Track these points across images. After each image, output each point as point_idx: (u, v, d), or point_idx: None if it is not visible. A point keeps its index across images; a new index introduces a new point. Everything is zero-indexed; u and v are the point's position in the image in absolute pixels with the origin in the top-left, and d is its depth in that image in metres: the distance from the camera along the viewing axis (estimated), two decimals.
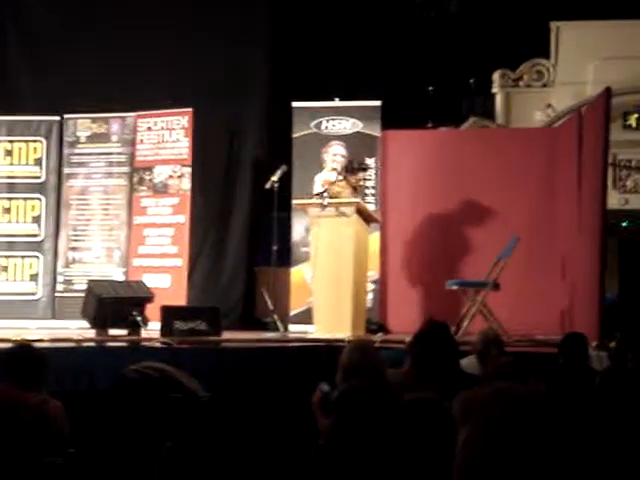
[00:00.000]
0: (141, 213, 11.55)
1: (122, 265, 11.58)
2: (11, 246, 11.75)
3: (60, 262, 11.76)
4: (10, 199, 11.79)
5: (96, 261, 11.70)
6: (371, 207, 10.63)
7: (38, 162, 11.85)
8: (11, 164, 11.82)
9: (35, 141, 11.84)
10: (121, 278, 11.38)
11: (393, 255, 10.99)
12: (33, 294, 11.73)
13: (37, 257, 11.76)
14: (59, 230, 11.80)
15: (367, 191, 11.12)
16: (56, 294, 11.72)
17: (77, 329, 9.87)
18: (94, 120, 11.81)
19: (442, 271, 10.63)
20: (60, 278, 11.74)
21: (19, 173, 11.82)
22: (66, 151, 11.86)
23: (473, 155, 11.05)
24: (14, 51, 12.14)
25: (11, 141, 11.82)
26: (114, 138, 11.80)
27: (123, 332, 9.12)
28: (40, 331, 10.19)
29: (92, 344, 8.77)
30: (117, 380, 3.59)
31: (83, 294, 10.03)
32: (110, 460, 3.49)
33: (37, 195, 11.82)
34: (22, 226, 11.76)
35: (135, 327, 8.98)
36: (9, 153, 11.82)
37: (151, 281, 10.58)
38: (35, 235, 11.78)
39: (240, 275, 11.78)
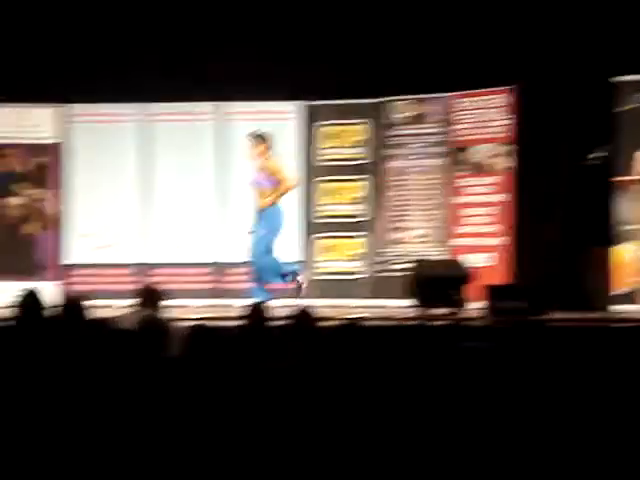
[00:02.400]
0: (460, 193, 11.57)
1: (442, 245, 11.66)
2: (334, 227, 12.10)
3: (381, 242, 11.99)
4: (336, 181, 12.14)
5: (416, 241, 11.84)
6: None
7: (360, 144, 12.13)
8: (335, 147, 12.16)
9: (357, 124, 12.12)
10: (441, 258, 11.46)
11: None
12: (355, 273, 12.03)
13: (360, 237, 12.05)
14: (379, 211, 12.03)
15: None
16: (377, 273, 11.96)
17: (398, 308, 10.04)
18: (413, 101, 11.93)
19: None
20: (381, 258, 11.96)
21: (344, 156, 12.15)
22: (386, 133, 12.06)
23: None
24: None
25: (335, 124, 12.16)
26: (432, 118, 11.88)
27: (444, 311, 9.18)
28: (363, 309, 10.43)
29: (415, 322, 8.89)
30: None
31: (404, 274, 10.18)
32: None
33: (359, 176, 12.09)
34: (346, 207, 12.09)
35: (455, 306, 9.02)
36: (333, 136, 12.17)
37: (471, 260, 10.60)
38: (357, 216, 12.07)
39: (562, 254, 11.54)
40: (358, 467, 3.87)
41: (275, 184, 10.72)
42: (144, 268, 12.10)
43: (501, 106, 11.30)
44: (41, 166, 12.09)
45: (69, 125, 12.20)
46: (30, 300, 5.71)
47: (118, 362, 4.46)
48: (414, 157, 11.94)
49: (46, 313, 5.61)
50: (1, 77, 11.70)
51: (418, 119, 11.91)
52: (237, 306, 9.88)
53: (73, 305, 5.59)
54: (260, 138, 10.91)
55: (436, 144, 11.86)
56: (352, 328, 5.27)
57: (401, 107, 11.98)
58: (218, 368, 4.31)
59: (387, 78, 11.82)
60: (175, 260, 12.12)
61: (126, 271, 12.13)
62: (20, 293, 5.70)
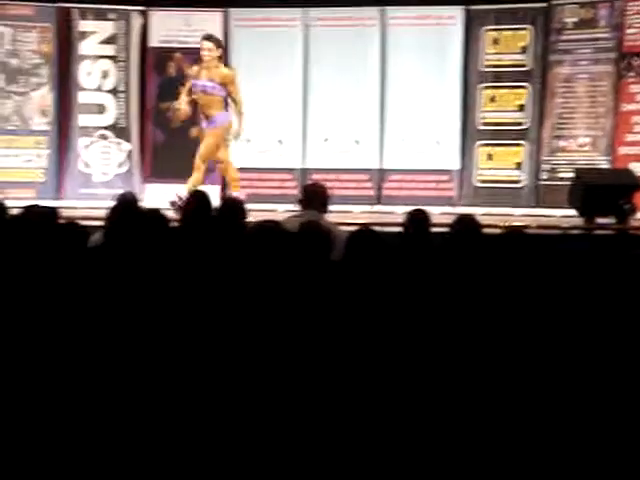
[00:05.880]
0: (629, 100, 11.23)
1: (607, 153, 11.37)
2: (497, 134, 11.92)
3: (544, 150, 11.77)
4: (496, 88, 11.93)
5: (581, 149, 11.58)
6: None
7: (524, 50, 11.86)
8: (498, 53, 11.92)
9: (522, 29, 11.84)
10: (606, 166, 11.21)
11: None
12: (517, 182, 11.86)
13: (522, 145, 11.85)
14: (543, 118, 11.79)
15: None
16: (540, 182, 11.76)
17: (562, 217, 9.87)
18: (582, 5, 11.57)
19: None
20: (544, 166, 11.75)
21: (506, 62, 11.91)
22: (552, 38, 11.74)
23: None
24: None
25: (498, 30, 11.91)
26: (602, 23, 11.50)
27: (610, 220, 9.00)
28: (525, 218, 10.31)
29: (579, 232, 8.74)
30: None
31: (568, 182, 9.99)
32: None
33: (523, 83, 11.85)
34: (508, 114, 11.88)
35: (623, 215, 8.83)
36: (496, 42, 11.93)
37: (639, 169, 10.34)
38: (520, 123, 11.85)
39: None
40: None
41: (226, 95, 10.27)
42: (305, 173, 12.18)
43: None
44: None
45: (233, 30, 12.27)
46: (197, 201, 5.80)
47: (280, 264, 4.50)
48: (582, 63, 11.61)
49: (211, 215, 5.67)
50: None
51: (588, 24, 11.55)
52: (399, 213, 9.89)
53: (234, 207, 5.64)
54: (219, 42, 10.45)
55: (605, 50, 11.50)
56: (516, 236, 5.21)
57: (570, 11, 11.63)
58: (379, 273, 4.32)
59: None
60: (334, 166, 12.14)
61: (288, 176, 12.25)
62: (187, 195, 5.79)
